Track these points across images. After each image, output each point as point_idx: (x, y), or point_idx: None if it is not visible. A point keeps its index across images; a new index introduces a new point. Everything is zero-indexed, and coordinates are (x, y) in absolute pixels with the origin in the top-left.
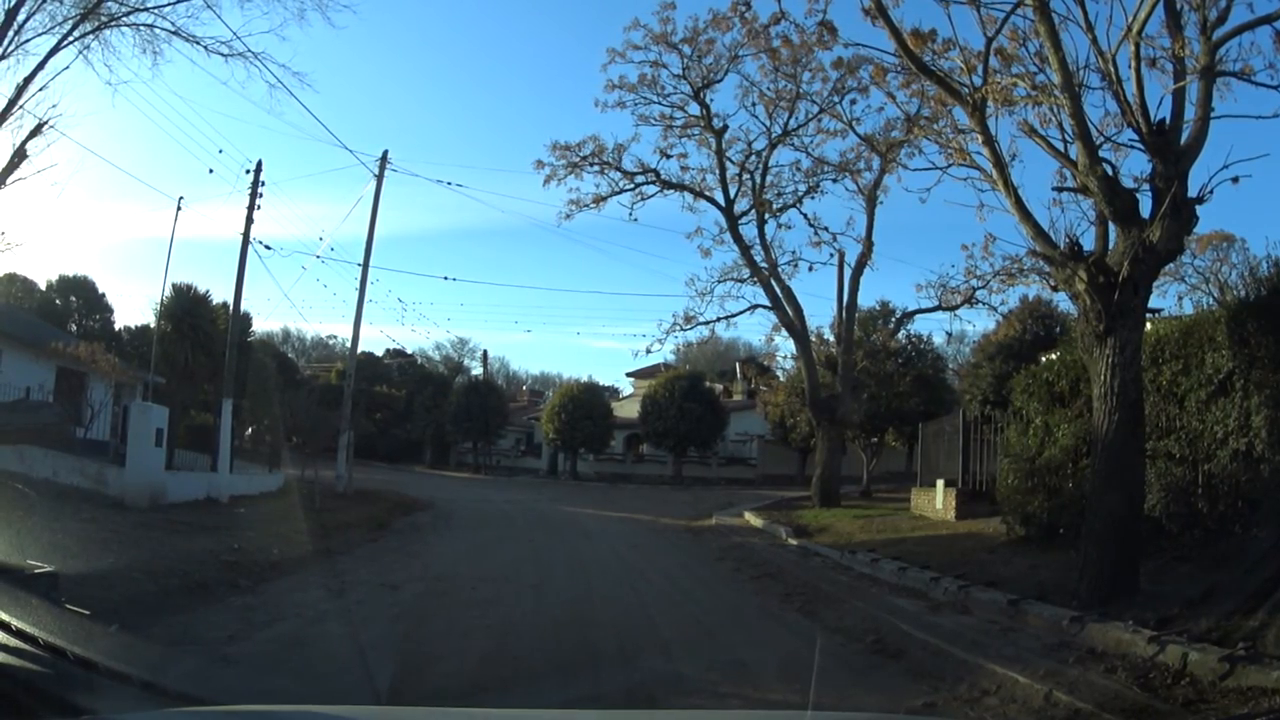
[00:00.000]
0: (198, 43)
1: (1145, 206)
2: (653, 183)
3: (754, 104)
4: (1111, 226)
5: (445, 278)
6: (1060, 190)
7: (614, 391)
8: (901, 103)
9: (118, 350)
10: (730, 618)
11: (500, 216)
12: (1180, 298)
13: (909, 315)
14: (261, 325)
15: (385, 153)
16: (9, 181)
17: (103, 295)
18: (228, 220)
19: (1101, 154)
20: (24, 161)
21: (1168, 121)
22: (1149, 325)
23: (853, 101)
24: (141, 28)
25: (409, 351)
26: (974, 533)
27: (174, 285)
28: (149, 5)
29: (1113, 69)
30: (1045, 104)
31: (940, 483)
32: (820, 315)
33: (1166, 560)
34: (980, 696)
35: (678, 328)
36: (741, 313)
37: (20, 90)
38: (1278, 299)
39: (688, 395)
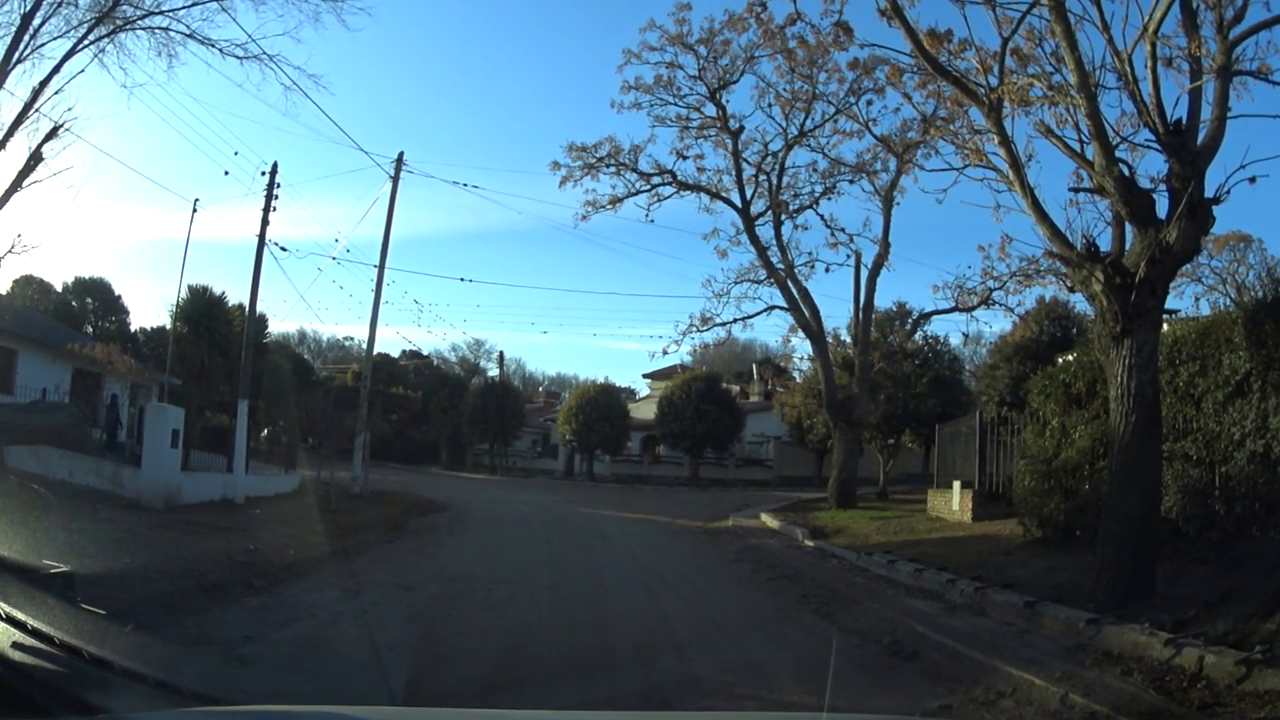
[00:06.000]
0: (213, 45)
1: (1162, 207)
2: (669, 184)
3: (770, 105)
4: (1128, 227)
5: (461, 279)
6: (1077, 191)
7: (631, 393)
8: (918, 103)
9: (133, 352)
10: (746, 619)
11: (516, 218)
12: (1197, 298)
13: (926, 316)
14: (277, 327)
15: (401, 154)
16: (25, 184)
17: (118, 297)
18: (243, 222)
19: (1118, 154)
20: (40, 164)
21: (1184, 121)
22: (1166, 326)
23: (869, 102)
24: (156, 31)
25: (425, 353)
26: (990, 534)
27: (190, 287)
28: (164, 8)
29: (1129, 69)
30: (1061, 104)
31: (957, 484)
32: (837, 316)
33: (1183, 562)
34: (996, 699)
35: (694, 329)
36: (758, 314)
37: (36, 94)
38: None
39: (704, 396)
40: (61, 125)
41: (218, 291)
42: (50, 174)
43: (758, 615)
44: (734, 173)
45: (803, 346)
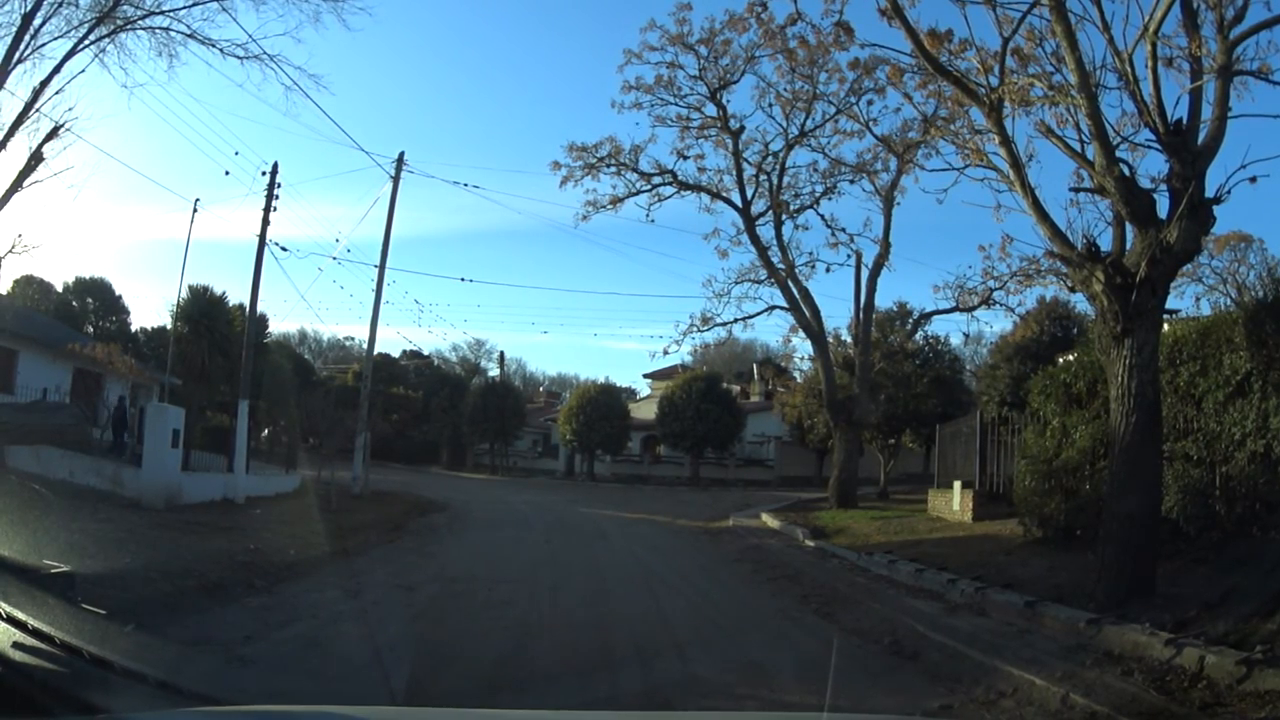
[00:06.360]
0: (213, 45)
1: (1163, 207)
2: (670, 184)
3: (771, 105)
4: (1129, 227)
5: (462, 279)
6: (1077, 191)
7: (631, 393)
8: (918, 103)
9: (134, 352)
10: (747, 619)
11: (517, 218)
12: (1198, 298)
13: (926, 316)
14: (278, 327)
15: (401, 154)
16: (26, 184)
17: (119, 297)
18: (244, 222)
19: (1119, 154)
20: (41, 164)
21: (1185, 121)
22: (1166, 326)
23: (869, 102)
24: (157, 31)
25: (425, 353)
26: (991, 534)
27: (190, 287)
28: (164, 9)
29: (1129, 69)
30: (1062, 104)
31: (957, 484)
32: (838, 316)
33: (1184, 562)
34: (997, 699)
35: (695, 329)
36: (759, 314)
37: (37, 94)
38: None
39: (705, 396)
40: (62, 125)
41: (218, 291)
42: (51, 174)
43: (758, 615)
44: (734, 173)
45: (803, 346)
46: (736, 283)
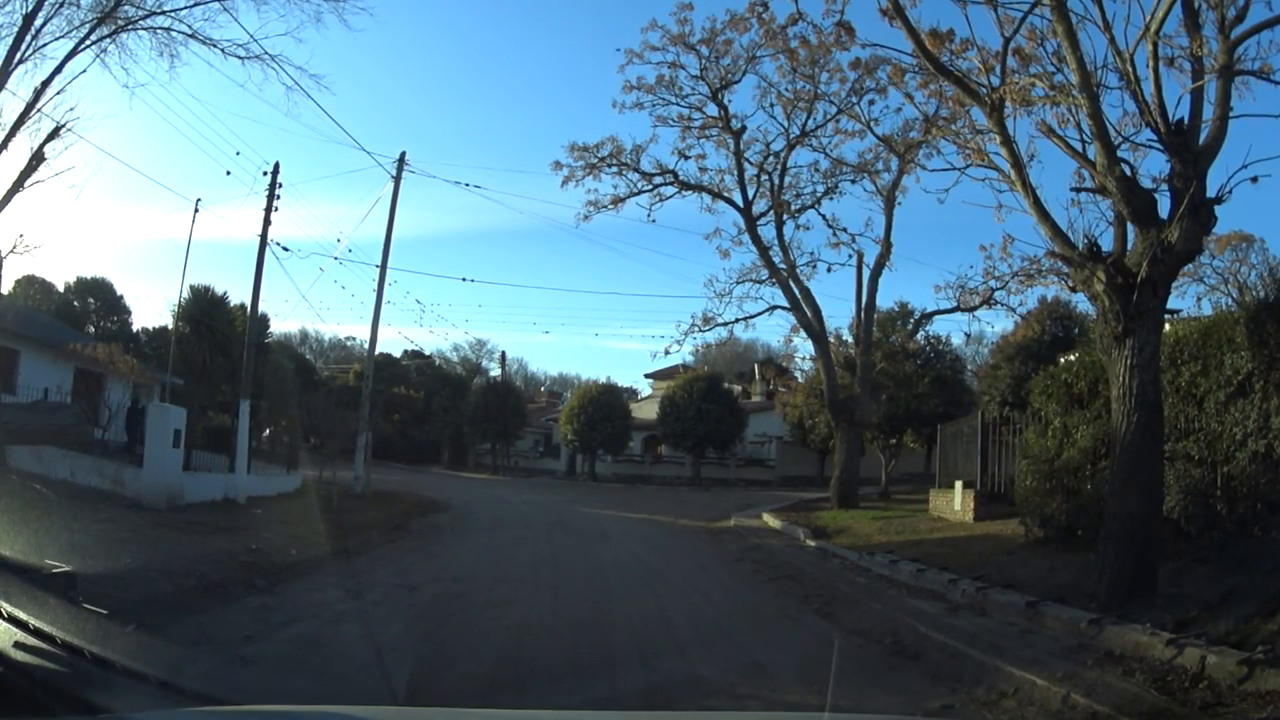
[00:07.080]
0: (215, 45)
1: (1164, 207)
2: (671, 184)
3: (772, 105)
4: (1130, 227)
5: (463, 279)
6: (1079, 191)
7: (632, 393)
8: (919, 103)
9: (135, 352)
10: (748, 619)
11: (518, 218)
12: (1199, 298)
13: (927, 316)
14: (279, 327)
15: (403, 154)
16: (27, 184)
17: (120, 297)
18: (245, 222)
19: (1120, 154)
20: (42, 164)
21: (1186, 121)
22: (1168, 326)
23: (871, 102)
24: (158, 31)
25: (427, 353)
26: (992, 534)
27: (192, 287)
28: (166, 9)
29: (1131, 68)
30: (1063, 104)
31: (959, 484)
32: (839, 316)
33: (1185, 562)
34: (998, 699)
35: (696, 329)
36: (760, 314)
37: (38, 94)
38: None
39: (706, 396)
40: (63, 125)
41: (220, 291)
42: (52, 174)
43: (760, 615)
44: (736, 172)
45: (804, 346)
46: (738, 283)
